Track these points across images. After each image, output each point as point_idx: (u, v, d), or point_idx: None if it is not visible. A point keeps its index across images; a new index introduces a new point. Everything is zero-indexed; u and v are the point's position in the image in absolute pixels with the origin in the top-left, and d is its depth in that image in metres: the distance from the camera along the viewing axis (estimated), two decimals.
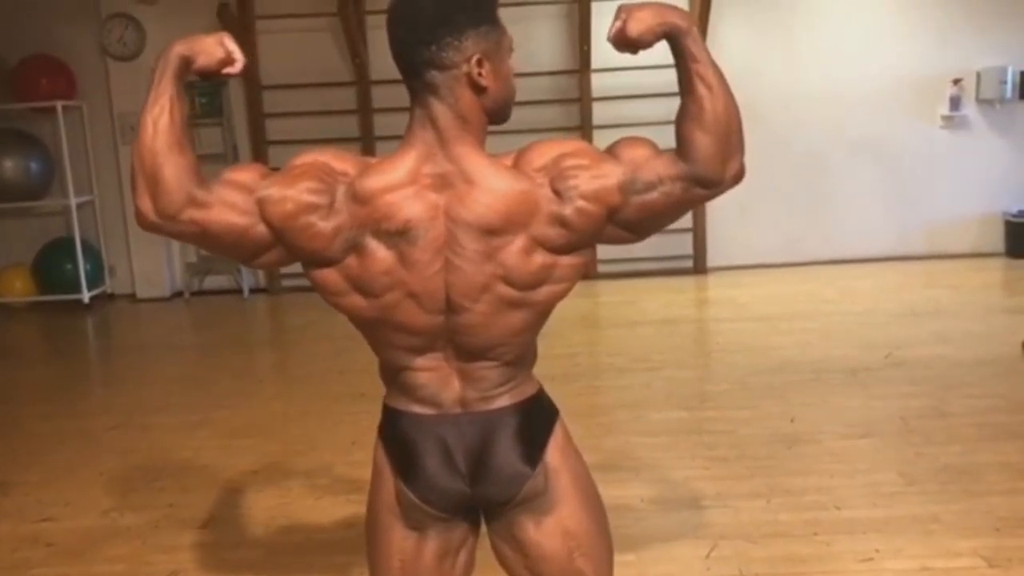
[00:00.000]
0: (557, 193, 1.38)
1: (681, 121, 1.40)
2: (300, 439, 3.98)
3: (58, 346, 6.49)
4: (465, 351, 1.46)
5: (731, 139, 1.40)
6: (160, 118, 1.38)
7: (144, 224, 1.41)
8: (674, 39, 1.39)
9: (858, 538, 2.81)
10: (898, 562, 2.66)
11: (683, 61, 1.39)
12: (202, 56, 1.43)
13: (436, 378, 1.48)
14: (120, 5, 7.01)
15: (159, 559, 2.94)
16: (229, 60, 1.46)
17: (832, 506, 3.04)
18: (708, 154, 1.38)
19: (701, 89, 1.38)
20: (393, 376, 1.52)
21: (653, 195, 1.40)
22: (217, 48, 1.44)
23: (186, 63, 1.42)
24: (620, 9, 1.42)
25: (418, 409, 1.50)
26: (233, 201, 1.39)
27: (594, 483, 1.62)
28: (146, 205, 1.39)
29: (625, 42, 1.42)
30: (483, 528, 1.61)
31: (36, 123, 7.19)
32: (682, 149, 1.40)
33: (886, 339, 5.03)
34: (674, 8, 1.41)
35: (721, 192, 1.44)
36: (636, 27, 1.39)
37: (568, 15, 7.18)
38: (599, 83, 7.08)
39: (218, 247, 1.43)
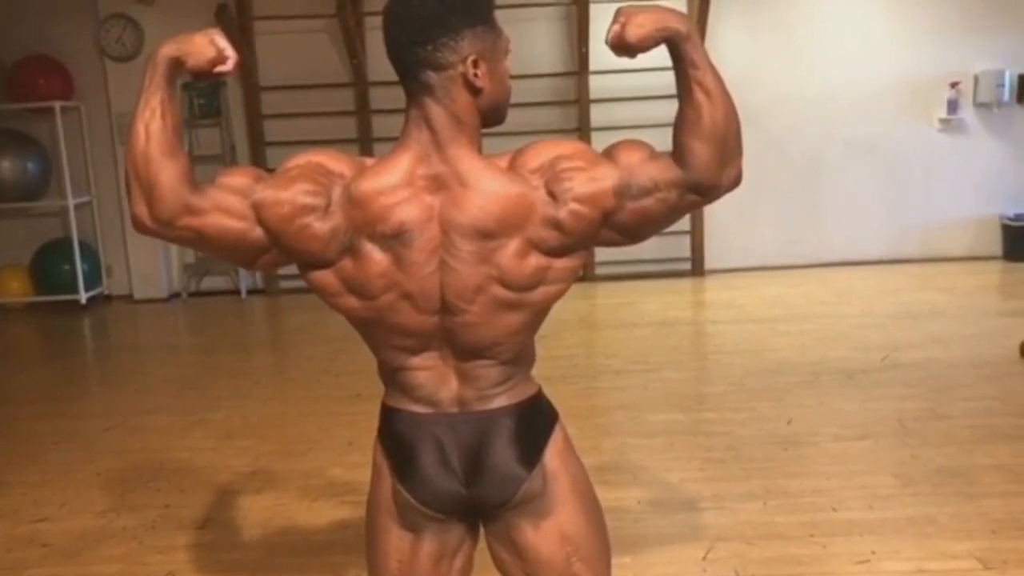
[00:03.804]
0: (552, 195, 1.37)
1: (679, 127, 1.40)
2: (297, 440, 3.98)
3: (55, 347, 6.48)
4: (462, 350, 1.46)
5: (728, 146, 1.39)
6: (152, 122, 1.37)
7: (141, 229, 1.41)
8: (673, 44, 1.37)
9: (854, 540, 2.81)
10: (894, 564, 2.67)
11: (682, 67, 1.38)
12: (192, 56, 1.41)
13: (433, 377, 1.48)
14: (118, 5, 7.00)
15: (155, 560, 2.93)
16: (220, 59, 1.43)
17: (829, 508, 3.04)
18: (704, 161, 1.38)
19: (699, 96, 1.37)
20: (391, 375, 1.52)
21: (648, 200, 1.39)
22: (208, 47, 1.41)
23: (176, 64, 1.40)
24: (619, 12, 1.41)
25: (415, 408, 1.50)
26: (229, 205, 1.39)
27: (593, 488, 1.62)
28: (142, 211, 1.39)
29: (623, 47, 1.40)
30: (482, 531, 1.61)
31: (34, 124, 7.18)
32: (679, 155, 1.39)
33: (883, 341, 5.04)
34: (674, 12, 1.40)
35: (718, 197, 1.43)
36: (635, 32, 1.38)
37: (566, 17, 7.18)
38: (597, 85, 7.08)
39: (215, 251, 1.43)
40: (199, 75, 1.44)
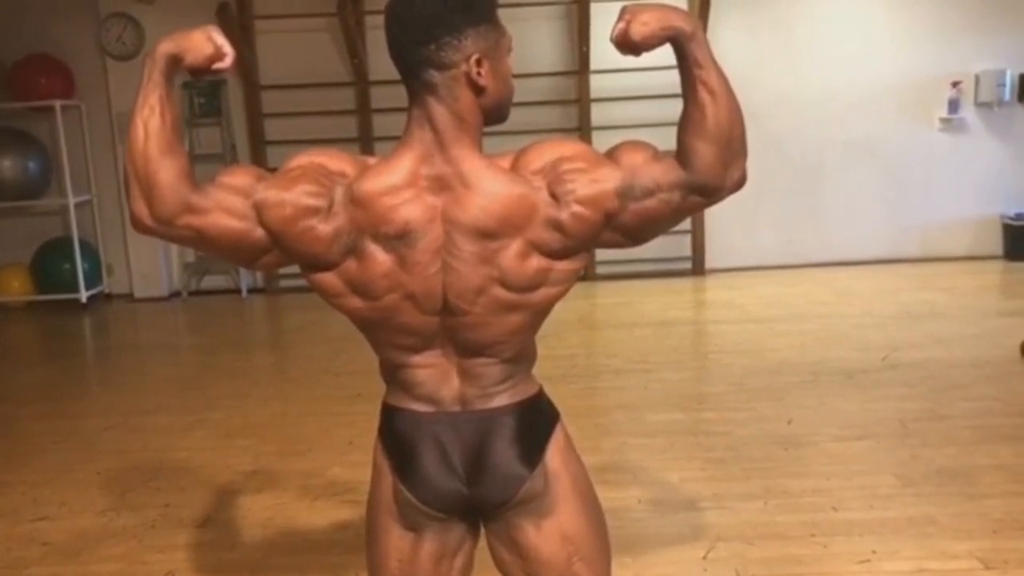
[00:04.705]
0: (554, 197, 1.37)
1: (683, 128, 1.39)
2: (297, 440, 3.97)
3: (55, 346, 6.48)
4: (463, 348, 1.46)
5: (732, 146, 1.38)
6: (150, 120, 1.36)
7: (140, 228, 1.40)
8: (678, 43, 1.36)
9: (855, 540, 2.81)
10: (895, 564, 2.67)
11: (687, 66, 1.37)
12: (190, 53, 1.39)
13: (435, 374, 1.48)
14: (119, 4, 7.00)
15: (155, 559, 2.93)
16: (218, 55, 1.41)
17: (829, 507, 3.04)
18: (708, 162, 1.37)
19: (704, 95, 1.36)
20: (392, 373, 1.52)
21: (651, 202, 1.38)
22: (205, 44, 1.40)
23: (174, 61, 1.39)
24: (624, 10, 1.39)
25: (416, 407, 1.50)
26: (230, 205, 1.38)
27: (593, 488, 1.62)
28: (142, 210, 1.37)
29: (628, 45, 1.39)
30: (482, 531, 1.61)
31: (34, 122, 7.18)
32: (682, 156, 1.38)
33: (883, 341, 5.04)
34: (679, 11, 1.39)
35: (721, 199, 1.42)
36: (640, 30, 1.36)
37: (567, 16, 7.18)
38: (598, 84, 7.08)
39: (215, 250, 1.42)
40: (197, 72, 1.43)
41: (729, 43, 6.86)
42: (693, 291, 6.97)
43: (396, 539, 1.55)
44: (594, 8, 6.73)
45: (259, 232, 1.39)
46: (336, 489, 3.39)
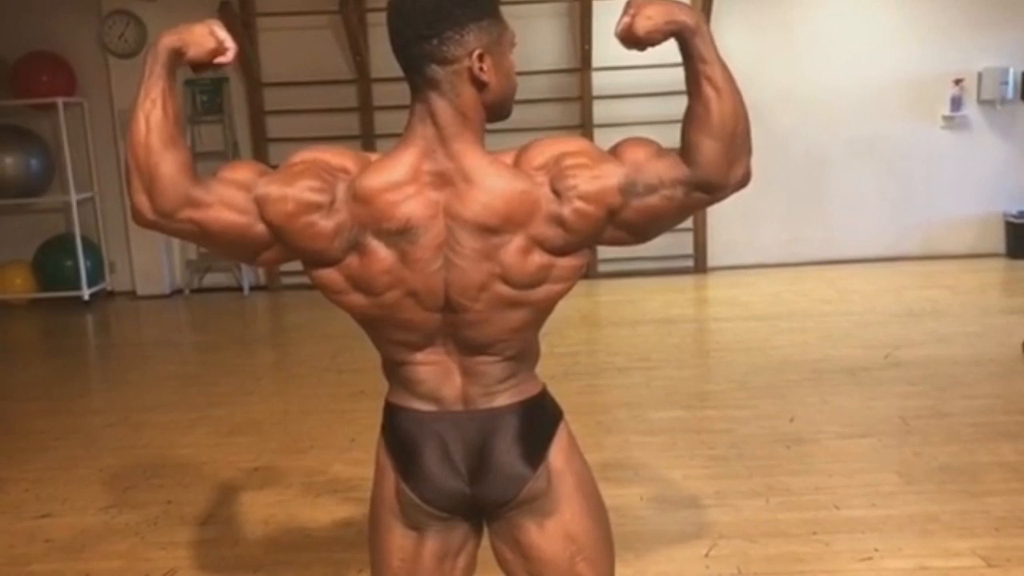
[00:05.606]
0: (556, 193, 1.36)
1: (687, 124, 1.38)
2: (299, 437, 3.98)
3: (58, 343, 6.48)
4: (465, 345, 1.45)
5: (737, 143, 1.37)
6: (152, 113, 1.35)
7: (141, 222, 1.39)
8: (683, 38, 1.36)
9: (857, 537, 2.81)
10: (897, 561, 2.66)
11: (691, 62, 1.37)
12: (192, 47, 1.40)
13: (437, 372, 1.47)
14: (121, 2, 7.00)
15: (157, 556, 2.94)
16: (220, 50, 1.42)
17: (831, 505, 3.04)
18: (712, 159, 1.36)
19: (708, 91, 1.35)
20: (395, 371, 1.52)
21: (654, 198, 1.38)
22: (207, 38, 1.40)
23: (176, 55, 1.39)
24: (629, 4, 1.39)
25: (418, 406, 1.50)
26: (231, 200, 1.37)
27: (597, 487, 1.61)
28: (143, 203, 1.37)
29: (632, 39, 1.39)
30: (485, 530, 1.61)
31: (36, 120, 7.18)
32: (686, 152, 1.38)
33: (885, 339, 5.03)
34: (683, 6, 1.38)
35: (725, 196, 1.42)
36: (644, 25, 1.36)
37: (569, 13, 7.17)
38: (600, 82, 7.07)
39: (216, 245, 1.42)
40: (199, 66, 1.43)
41: (732, 41, 6.82)
42: (695, 289, 6.97)
43: (399, 538, 1.54)
44: (596, 6, 6.72)
45: (260, 227, 1.38)
46: (338, 486, 3.39)
